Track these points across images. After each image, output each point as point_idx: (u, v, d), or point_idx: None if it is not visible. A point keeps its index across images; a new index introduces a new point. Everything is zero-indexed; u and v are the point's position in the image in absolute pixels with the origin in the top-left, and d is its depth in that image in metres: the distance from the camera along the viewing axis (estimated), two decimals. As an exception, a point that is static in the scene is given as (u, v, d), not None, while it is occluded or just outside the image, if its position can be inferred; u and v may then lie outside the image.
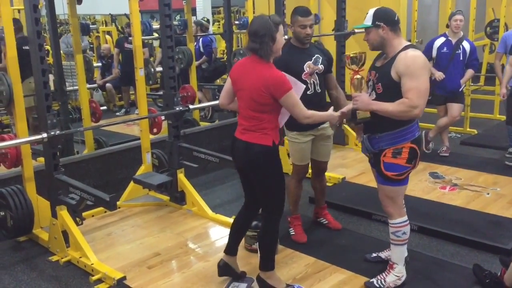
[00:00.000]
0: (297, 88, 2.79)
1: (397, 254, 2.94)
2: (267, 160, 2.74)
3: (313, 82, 3.31)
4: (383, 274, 2.97)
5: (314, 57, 3.34)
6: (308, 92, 3.22)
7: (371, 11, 2.79)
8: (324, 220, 3.78)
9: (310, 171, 3.65)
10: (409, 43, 2.83)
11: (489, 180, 4.69)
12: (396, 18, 2.78)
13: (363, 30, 2.84)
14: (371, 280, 2.98)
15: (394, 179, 2.78)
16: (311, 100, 3.13)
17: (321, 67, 3.34)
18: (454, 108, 5.30)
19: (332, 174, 4.77)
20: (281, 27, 2.67)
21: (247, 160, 2.76)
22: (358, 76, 2.81)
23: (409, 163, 2.77)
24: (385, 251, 3.24)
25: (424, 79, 2.65)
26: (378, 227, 3.86)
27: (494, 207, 4.05)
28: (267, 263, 2.88)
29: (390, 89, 2.69)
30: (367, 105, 2.72)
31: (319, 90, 3.36)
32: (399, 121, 2.70)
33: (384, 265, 3.06)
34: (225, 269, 3.03)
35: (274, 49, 2.68)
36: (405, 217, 2.91)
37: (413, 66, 2.62)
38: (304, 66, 3.27)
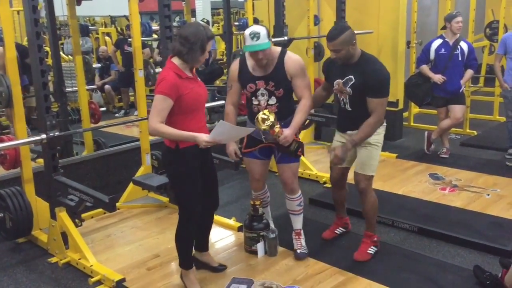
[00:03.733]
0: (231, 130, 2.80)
1: (301, 221, 3.41)
2: (169, 160, 2.87)
3: (343, 99, 3.21)
4: (300, 242, 3.38)
5: (346, 78, 3.11)
6: (341, 105, 3.25)
7: (264, 31, 2.96)
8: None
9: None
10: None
11: (489, 181, 4.68)
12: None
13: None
14: (298, 251, 3.33)
15: (299, 155, 3.25)
16: (341, 114, 3.32)
17: (348, 90, 3.11)
18: (457, 110, 5.30)
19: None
20: (210, 42, 2.75)
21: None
22: (277, 129, 2.99)
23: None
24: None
25: None
26: (378, 229, 3.83)
27: (494, 208, 4.04)
28: (180, 261, 3.01)
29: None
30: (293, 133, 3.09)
31: (350, 109, 3.18)
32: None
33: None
34: (198, 264, 3.20)
35: (201, 58, 2.75)
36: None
37: None
38: (335, 83, 3.21)
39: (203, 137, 2.65)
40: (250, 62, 3.14)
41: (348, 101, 3.16)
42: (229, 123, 2.93)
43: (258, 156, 3.29)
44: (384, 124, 3.22)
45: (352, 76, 3.07)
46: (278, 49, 3.15)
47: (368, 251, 3.32)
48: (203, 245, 3.23)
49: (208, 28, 2.80)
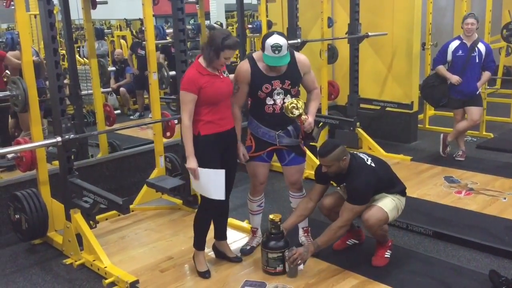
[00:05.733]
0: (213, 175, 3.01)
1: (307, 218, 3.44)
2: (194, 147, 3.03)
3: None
4: (310, 239, 3.43)
5: (342, 185, 3.28)
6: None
7: (285, 43, 3.04)
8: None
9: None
10: None
11: (506, 184, 4.61)
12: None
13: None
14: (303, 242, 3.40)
15: (305, 153, 3.40)
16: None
17: (346, 196, 3.23)
18: (474, 112, 5.23)
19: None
20: (228, 51, 2.90)
21: None
22: (304, 117, 3.09)
23: None
24: (252, 239, 3.56)
25: None
26: (392, 232, 3.81)
27: (511, 212, 3.98)
28: (194, 241, 3.26)
29: None
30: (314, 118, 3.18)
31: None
32: None
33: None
34: (217, 251, 3.42)
35: (217, 62, 2.95)
36: None
37: None
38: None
39: (192, 163, 2.97)
40: (261, 64, 3.16)
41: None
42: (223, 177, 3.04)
43: (265, 159, 3.32)
44: (404, 197, 3.31)
45: (345, 183, 3.18)
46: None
47: (385, 256, 3.29)
48: (222, 233, 3.39)
49: (229, 38, 2.91)
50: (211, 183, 3.03)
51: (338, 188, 3.37)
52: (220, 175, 3.02)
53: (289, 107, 3.06)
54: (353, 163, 3.14)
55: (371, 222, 3.10)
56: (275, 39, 3.01)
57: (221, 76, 3.06)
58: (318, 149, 3.16)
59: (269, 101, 3.18)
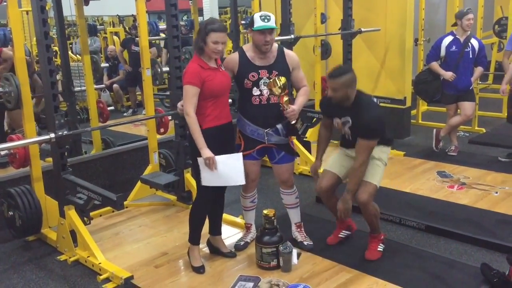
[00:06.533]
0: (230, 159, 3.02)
1: (299, 214, 3.50)
2: (192, 140, 3.04)
3: (345, 134, 3.26)
4: (303, 233, 3.48)
5: (344, 119, 3.19)
6: (345, 136, 3.27)
7: (273, 16, 3.13)
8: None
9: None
10: None
11: (498, 179, 4.65)
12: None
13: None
14: (305, 243, 3.42)
15: (295, 152, 3.39)
16: (344, 138, 3.31)
17: (347, 130, 3.20)
18: (467, 107, 5.27)
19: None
20: (213, 34, 2.92)
21: None
22: (286, 98, 3.08)
23: None
24: (246, 234, 3.57)
25: None
26: (385, 226, 3.84)
27: (502, 206, 4.02)
28: (189, 235, 3.26)
29: None
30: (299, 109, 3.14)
31: (352, 140, 3.20)
32: None
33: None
34: (211, 247, 3.42)
35: (206, 50, 2.98)
36: None
37: None
38: (334, 121, 3.27)
39: (207, 153, 2.94)
40: (250, 54, 3.21)
41: (350, 136, 3.22)
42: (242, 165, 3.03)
43: (256, 157, 3.31)
44: (389, 147, 3.30)
45: (349, 118, 3.15)
46: (276, 44, 3.28)
47: (378, 249, 3.31)
48: (216, 228, 3.39)
49: (213, 23, 2.98)
50: (230, 169, 2.99)
51: (337, 123, 3.26)
52: (238, 159, 3.00)
53: (272, 82, 3.04)
54: (361, 97, 3.11)
55: (364, 198, 3.12)
56: (262, 12, 3.12)
57: (221, 70, 3.11)
58: (330, 73, 3.08)
59: (256, 92, 3.17)
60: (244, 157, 3.24)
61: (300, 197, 3.54)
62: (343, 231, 3.56)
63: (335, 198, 3.34)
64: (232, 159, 3.00)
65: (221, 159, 2.96)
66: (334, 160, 3.42)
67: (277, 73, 3.15)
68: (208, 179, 3.01)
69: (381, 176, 3.23)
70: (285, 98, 3.07)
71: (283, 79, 3.05)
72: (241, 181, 3.03)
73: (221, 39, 2.97)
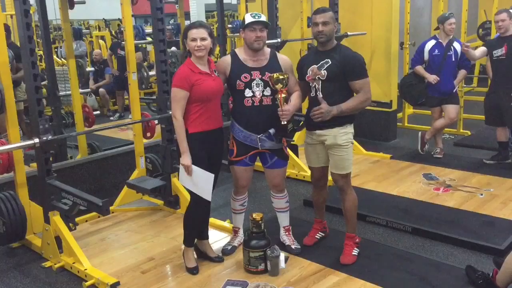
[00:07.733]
0: (202, 177, 3.06)
1: (288, 218, 3.53)
2: None
3: (315, 86, 3.21)
4: (291, 237, 3.50)
5: (322, 62, 3.18)
6: (311, 95, 3.26)
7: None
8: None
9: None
10: None
11: (483, 181, 4.70)
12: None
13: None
14: (293, 247, 3.43)
15: (288, 157, 3.42)
16: (312, 104, 3.26)
17: (323, 72, 3.14)
18: (451, 110, 5.33)
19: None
20: (189, 32, 3.01)
21: None
22: (284, 95, 3.11)
23: None
24: (234, 238, 3.57)
25: None
26: (372, 229, 3.87)
27: (487, 208, 4.06)
28: (184, 238, 3.29)
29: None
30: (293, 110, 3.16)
31: (320, 95, 3.17)
32: None
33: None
34: (198, 251, 3.40)
35: (190, 47, 3.04)
36: None
37: None
38: (309, 69, 3.24)
39: (186, 160, 3.01)
40: (242, 56, 3.23)
41: (320, 87, 3.19)
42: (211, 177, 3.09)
43: (248, 163, 3.32)
44: (352, 124, 3.28)
45: (328, 59, 3.17)
46: (268, 48, 3.31)
47: (353, 253, 3.33)
48: (203, 232, 3.37)
49: (193, 23, 3.08)
50: (201, 182, 3.07)
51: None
52: (210, 178, 3.06)
53: (274, 76, 3.09)
54: (341, 44, 3.30)
55: (341, 182, 3.27)
56: (253, 12, 3.19)
57: (213, 75, 3.12)
58: (316, 10, 3.22)
59: (248, 93, 3.17)
60: (236, 163, 3.27)
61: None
62: (320, 232, 3.61)
63: (325, 191, 3.55)
64: (205, 177, 3.05)
65: (197, 171, 3.03)
66: (308, 156, 3.43)
67: (270, 74, 3.16)
68: (183, 180, 3.13)
69: (351, 157, 3.29)
70: (283, 95, 3.09)
71: (285, 75, 3.11)
72: (207, 197, 3.11)
73: (198, 35, 3.01)
